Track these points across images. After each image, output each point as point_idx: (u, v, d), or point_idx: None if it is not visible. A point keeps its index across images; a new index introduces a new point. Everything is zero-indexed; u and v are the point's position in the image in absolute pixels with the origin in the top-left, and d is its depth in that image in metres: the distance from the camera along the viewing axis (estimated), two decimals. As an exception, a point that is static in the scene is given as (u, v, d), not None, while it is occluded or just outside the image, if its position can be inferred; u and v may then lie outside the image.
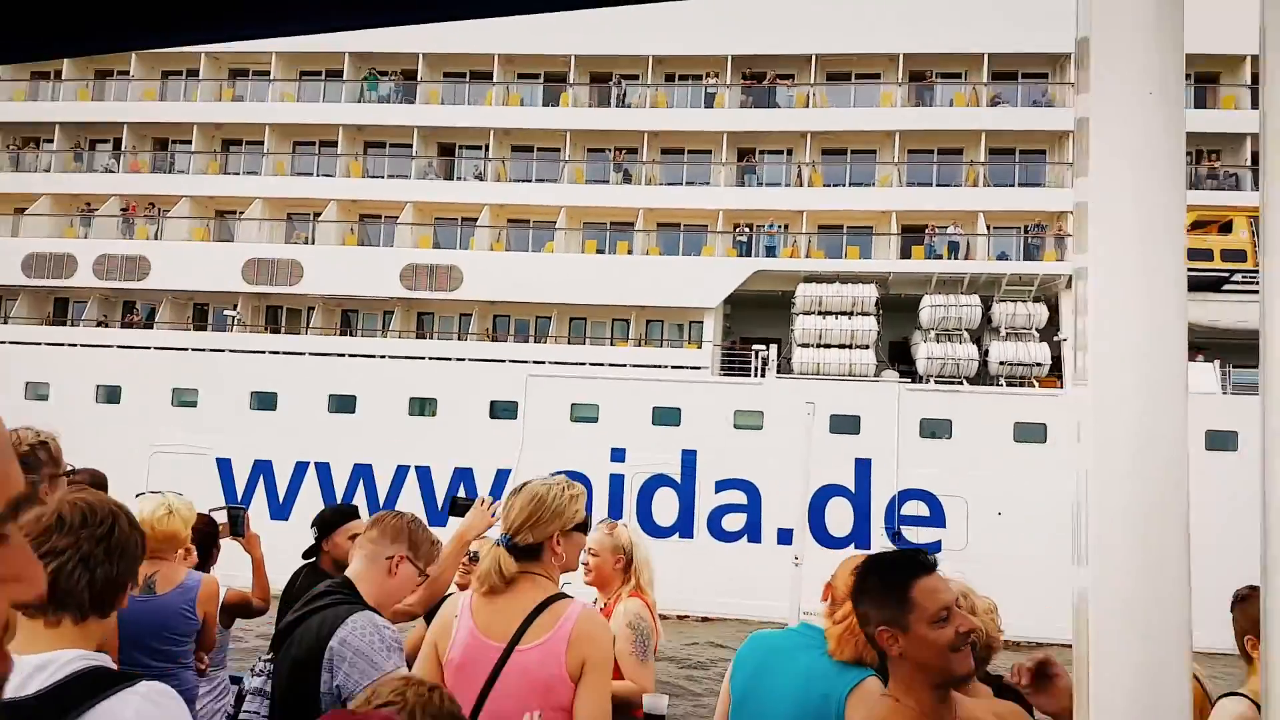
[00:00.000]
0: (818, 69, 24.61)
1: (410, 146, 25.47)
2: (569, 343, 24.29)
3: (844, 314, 22.74)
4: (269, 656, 2.63)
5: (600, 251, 24.41)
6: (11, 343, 24.39)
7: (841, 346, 22.65)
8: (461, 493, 21.75)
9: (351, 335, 24.74)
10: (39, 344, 24.34)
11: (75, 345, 24.16)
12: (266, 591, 4.27)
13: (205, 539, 4.15)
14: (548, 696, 2.19)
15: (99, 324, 24.91)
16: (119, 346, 23.96)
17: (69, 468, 2.56)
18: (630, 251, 24.21)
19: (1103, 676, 0.86)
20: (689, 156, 25.09)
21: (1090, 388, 0.85)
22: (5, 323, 25.43)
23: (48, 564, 1.49)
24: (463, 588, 4.01)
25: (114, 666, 1.56)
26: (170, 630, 3.53)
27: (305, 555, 4.17)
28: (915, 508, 21.80)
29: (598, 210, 24.56)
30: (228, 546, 4.42)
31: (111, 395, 23.75)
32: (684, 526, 22.33)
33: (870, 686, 2.32)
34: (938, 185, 24.73)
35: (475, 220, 24.75)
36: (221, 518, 4.38)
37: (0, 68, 26.79)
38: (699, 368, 22.82)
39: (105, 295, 25.29)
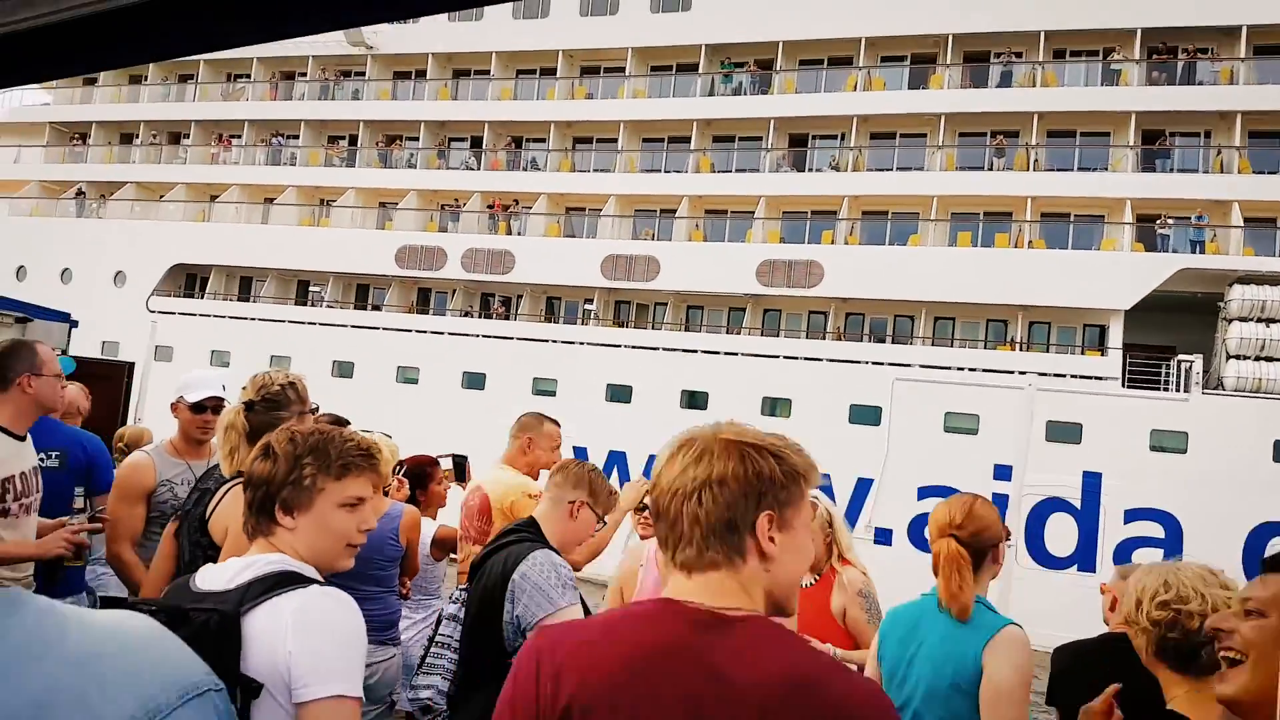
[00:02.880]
0: (1247, 43, 21.00)
1: (761, 139, 24.65)
2: (933, 344, 22.32)
3: (1293, 322, 19.10)
4: (465, 587, 2.84)
5: (974, 245, 22.24)
6: (384, 329, 26.20)
7: (1289, 360, 19.03)
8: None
9: (702, 331, 24.20)
10: (409, 330, 25.94)
11: (443, 333, 25.49)
12: None
13: (418, 476, 4.53)
14: None
15: (464, 314, 26.16)
16: (484, 336, 24.97)
17: (314, 405, 2.79)
18: (1011, 245, 21.85)
19: None
20: (1082, 140, 22.33)
21: None
22: (378, 309, 27.43)
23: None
24: (644, 538, 4.19)
25: (312, 575, 1.67)
26: (377, 555, 3.65)
27: None
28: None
29: (971, 199, 22.42)
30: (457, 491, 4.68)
31: (475, 382, 24.78)
32: (1084, 558, 19.65)
33: (1010, 634, 2.39)
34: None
35: (835, 214, 23.43)
36: (447, 464, 4.78)
37: (374, 68, 29.14)
38: (1104, 378, 20.04)
39: (468, 287, 26.54)
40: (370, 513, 1.80)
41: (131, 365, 8.90)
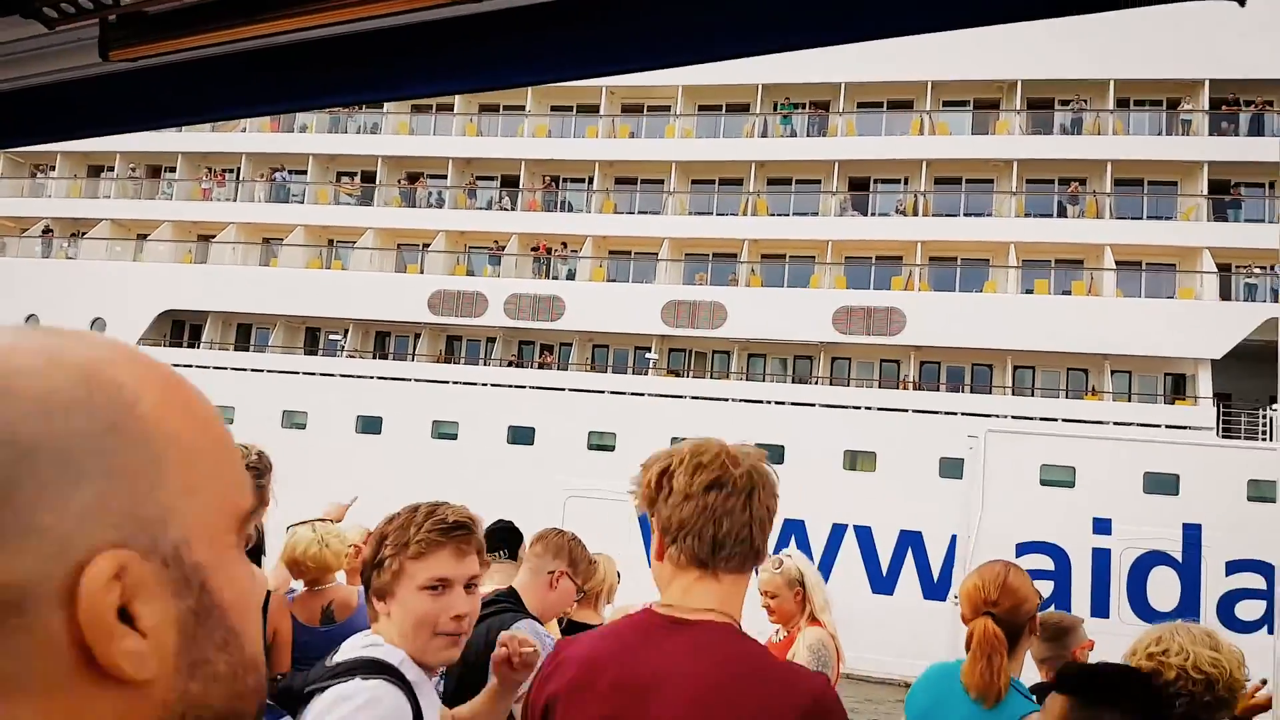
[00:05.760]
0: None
1: (819, 182, 23.97)
2: (1014, 394, 21.89)
3: (1382, 369, 19.34)
4: None
5: (1050, 292, 21.97)
6: (417, 380, 24.23)
7: (1379, 407, 19.25)
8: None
9: (767, 381, 23.16)
10: (446, 382, 24.04)
11: (484, 384, 23.69)
12: None
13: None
14: None
15: (510, 364, 24.41)
16: (531, 387, 23.30)
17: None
18: (1087, 292, 21.66)
19: None
20: (1150, 188, 22.43)
21: None
22: (401, 358, 25.40)
23: None
24: None
25: (388, 658, 1.64)
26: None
27: None
28: None
29: (1045, 246, 22.20)
30: None
31: (521, 437, 23.06)
32: (1187, 611, 19.26)
33: None
34: None
35: (901, 259, 22.86)
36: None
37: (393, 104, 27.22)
38: (1199, 428, 19.89)
39: (507, 335, 24.82)
40: (460, 597, 1.72)
41: None
